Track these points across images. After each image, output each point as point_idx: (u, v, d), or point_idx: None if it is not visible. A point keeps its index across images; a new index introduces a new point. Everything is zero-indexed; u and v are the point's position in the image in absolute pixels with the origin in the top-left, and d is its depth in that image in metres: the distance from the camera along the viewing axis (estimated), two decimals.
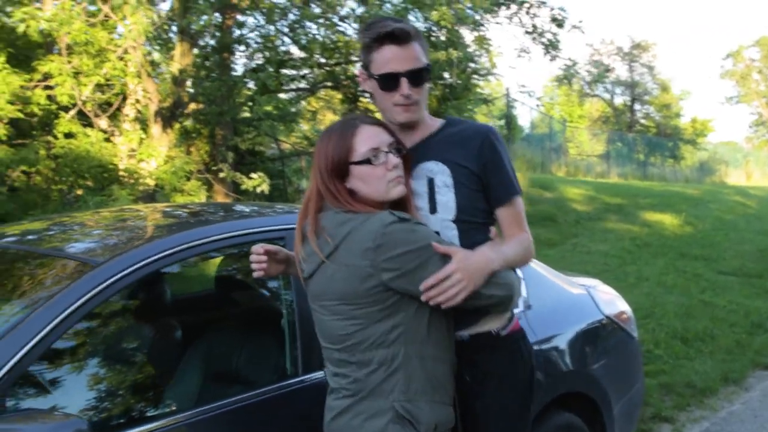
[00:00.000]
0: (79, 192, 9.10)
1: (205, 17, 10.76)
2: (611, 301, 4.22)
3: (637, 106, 43.10)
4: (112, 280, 2.44)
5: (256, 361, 3.05)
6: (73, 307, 2.33)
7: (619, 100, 44.15)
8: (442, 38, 11.51)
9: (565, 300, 3.91)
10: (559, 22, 12.07)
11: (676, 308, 8.63)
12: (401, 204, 2.33)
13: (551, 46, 11.87)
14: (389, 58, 2.36)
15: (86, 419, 2.24)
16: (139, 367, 3.02)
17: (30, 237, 3.21)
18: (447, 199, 2.42)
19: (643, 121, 43.49)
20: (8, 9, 8.64)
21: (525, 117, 43.82)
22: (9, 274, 2.81)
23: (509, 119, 21.96)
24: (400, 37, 2.34)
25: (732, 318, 8.35)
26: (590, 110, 46.53)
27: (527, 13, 12.22)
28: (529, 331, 3.42)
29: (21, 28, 8.06)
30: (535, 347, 3.43)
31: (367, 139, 2.24)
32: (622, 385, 4.02)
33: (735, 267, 11.23)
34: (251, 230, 2.88)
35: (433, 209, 2.43)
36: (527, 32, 12.21)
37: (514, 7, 12.14)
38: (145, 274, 2.54)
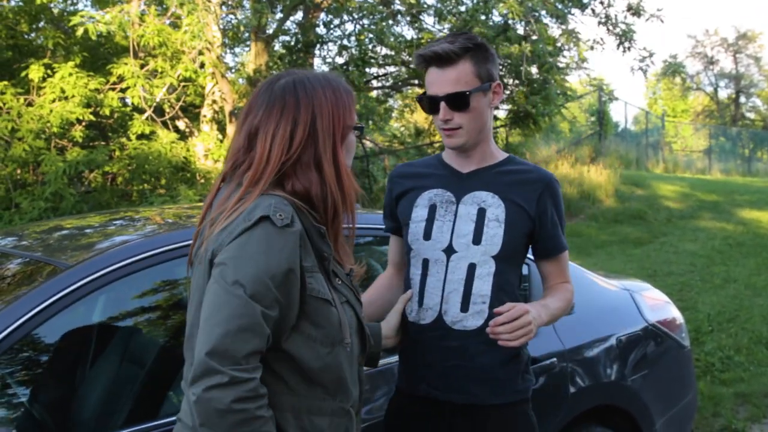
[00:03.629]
0: (162, 191, 9.26)
1: (279, 16, 10.84)
2: (659, 307, 3.90)
3: (742, 99, 41.50)
4: (80, 283, 2.35)
5: None
6: (36, 310, 2.25)
7: (723, 94, 42.62)
8: (520, 31, 11.26)
9: (600, 304, 3.63)
10: (635, 11, 11.57)
11: (764, 312, 8.10)
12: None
13: (624, 37, 11.38)
14: (431, 81, 2.31)
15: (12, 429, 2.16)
16: (136, 371, 2.93)
17: (31, 236, 3.18)
18: (495, 233, 2.32)
19: (749, 114, 41.84)
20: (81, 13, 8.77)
21: (619, 112, 42.96)
22: None
23: (601, 114, 21.32)
24: (442, 59, 2.26)
25: None
26: (694, 104, 45.12)
27: (601, 2, 11.78)
28: (556, 338, 3.22)
29: (80, 31, 8.19)
30: (564, 355, 3.22)
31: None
32: (667, 399, 3.71)
33: None
34: None
35: (477, 240, 2.33)
36: (601, 23, 11.76)
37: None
38: (117, 278, 2.44)
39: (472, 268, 2.32)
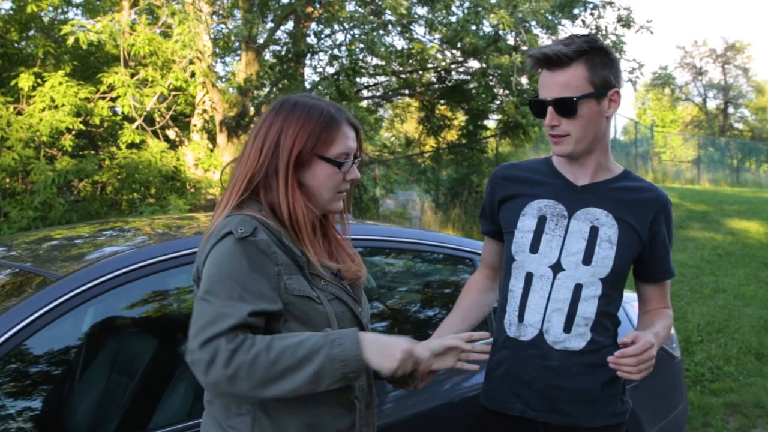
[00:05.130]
0: (152, 201, 9.23)
1: (270, 25, 10.84)
2: None
3: (730, 110, 41.71)
4: (70, 294, 2.33)
5: None
6: (26, 322, 2.24)
7: (711, 104, 42.84)
8: (510, 42, 11.30)
9: None
10: (625, 23, 11.63)
11: (753, 321, 8.15)
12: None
13: (615, 48, 11.43)
14: (540, 84, 2.20)
15: None
16: (129, 381, 2.91)
17: (21, 246, 3.16)
18: (606, 255, 2.23)
19: (737, 125, 42.07)
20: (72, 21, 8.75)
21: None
22: None
23: None
24: (552, 61, 2.15)
25: None
26: (683, 114, 45.31)
27: (591, 14, 11.87)
28: None
29: (70, 40, 8.17)
30: None
31: (345, 139, 1.97)
32: (658, 409, 3.71)
33: None
34: None
35: (587, 261, 2.23)
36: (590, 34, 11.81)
37: (577, 10, 11.82)
38: (108, 289, 2.42)
39: (578, 288, 2.23)
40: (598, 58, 2.15)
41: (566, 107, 2.14)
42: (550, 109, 2.17)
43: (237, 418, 1.85)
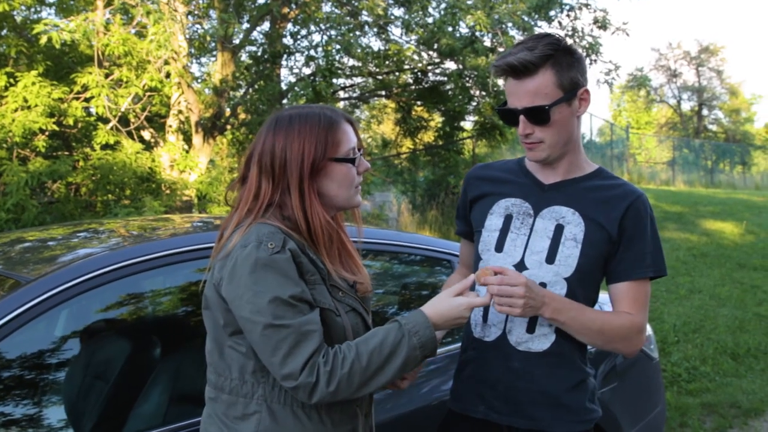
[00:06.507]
0: (126, 202, 9.13)
1: (246, 26, 10.78)
2: None
3: (705, 112, 42.10)
4: (43, 297, 2.29)
5: None
6: None
7: (686, 106, 43.20)
8: (487, 43, 11.32)
9: None
10: (601, 24, 11.69)
11: (729, 322, 8.20)
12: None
13: (591, 50, 11.50)
14: (509, 92, 2.15)
15: None
16: (101, 386, 2.87)
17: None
18: (570, 254, 2.17)
19: (711, 126, 42.46)
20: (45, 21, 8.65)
21: (584, 123, 43.43)
22: None
23: None
24: (518, 70, 2.09)
25: None
26: (657, 116, 45.69)
27: (568, 15, 11.92)
28: None
29: (43, 40, 8.07)
30: None
31: (350, 135, 2.03)
32: (636, 411, 3.72)
33: None
34: (186, 248, 2.70)
35: (550, 259, 2.19)
36: (567, 35, 11.88)
37: (553, 12, 11.87)
38: (81, 292, 2.38)
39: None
40: (564, 60, 2.11)
41: (539, 116, 2.11)
42: (522, 117, 2.13)
43: (242, 419, 1.91)
